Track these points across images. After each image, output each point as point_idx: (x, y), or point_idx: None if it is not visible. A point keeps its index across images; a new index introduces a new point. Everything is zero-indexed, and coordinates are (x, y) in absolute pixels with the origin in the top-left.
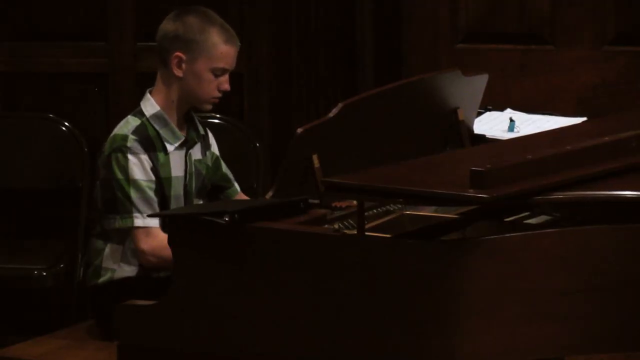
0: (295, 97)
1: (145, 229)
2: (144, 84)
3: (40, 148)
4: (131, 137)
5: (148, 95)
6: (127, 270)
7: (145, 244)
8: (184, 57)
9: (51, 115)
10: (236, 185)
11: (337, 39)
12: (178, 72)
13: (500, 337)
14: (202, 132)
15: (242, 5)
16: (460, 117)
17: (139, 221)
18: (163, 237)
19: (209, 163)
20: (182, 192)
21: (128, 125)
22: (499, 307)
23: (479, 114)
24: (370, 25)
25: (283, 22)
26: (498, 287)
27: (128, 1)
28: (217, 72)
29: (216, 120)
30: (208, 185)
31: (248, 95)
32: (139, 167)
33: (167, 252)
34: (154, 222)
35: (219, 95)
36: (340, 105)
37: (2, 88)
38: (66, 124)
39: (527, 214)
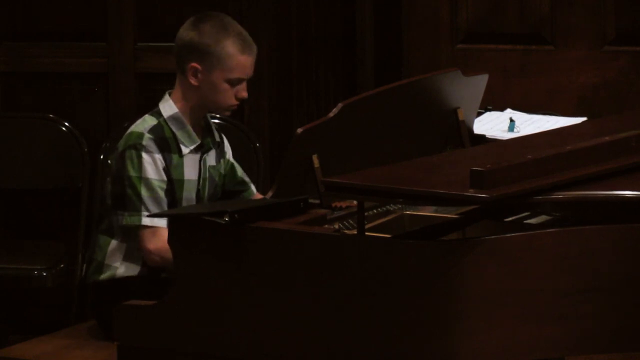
0: (295, 97)
1: (152, 228)
2: (144, 84)
3: (40, 148)
4: (147, 135)
5: (167, 96)
6: (130, 269)
7: (151, 244)
8: (199, 67)
9: (51, 115)
10: (252, 187)
11: (337, 39)
12: (194, 82)
13: (500, 337)
14: (217, 138)
15: (242, 5)
16: (460, 117)
17: (147, 220)
18: None
19: (222, 171)
20: (194, 196)
21: (145, 123)
22: (499, 307)
23: (479, 114)
24: (370, 26)
25: (283, 22)
26: (498, 287)
27: (128, 1)
28: (234, 82)
29: (216, 120)
30: (219, 192)
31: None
32: (152, 166)
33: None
34: (162, 223)
35: (237, 103)
36: (340, 105)
37: (2, 88)
38: (66, 124)
39: (527, 214)
